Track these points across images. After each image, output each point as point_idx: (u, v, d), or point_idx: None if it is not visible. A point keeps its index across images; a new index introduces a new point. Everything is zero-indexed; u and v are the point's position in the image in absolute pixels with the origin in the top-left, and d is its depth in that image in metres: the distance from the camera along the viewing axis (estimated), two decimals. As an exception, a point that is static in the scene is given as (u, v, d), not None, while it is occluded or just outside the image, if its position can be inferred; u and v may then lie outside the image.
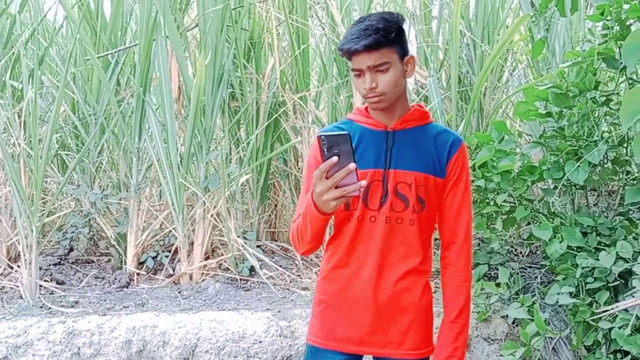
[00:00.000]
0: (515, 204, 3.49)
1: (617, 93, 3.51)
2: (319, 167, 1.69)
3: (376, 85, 1.92)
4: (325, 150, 1.65)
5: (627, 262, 3.07)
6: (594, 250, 3.23)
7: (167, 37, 4.17)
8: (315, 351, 2.10)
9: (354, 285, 2.03)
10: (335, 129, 2.07)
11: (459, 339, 2.06)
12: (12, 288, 3.99)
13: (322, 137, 1.65)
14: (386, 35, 1.89)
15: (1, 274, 4.16)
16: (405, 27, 1.99)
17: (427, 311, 2.09)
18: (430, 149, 2.03)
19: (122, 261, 4.37)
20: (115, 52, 4.55)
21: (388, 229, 2.00)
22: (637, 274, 2.97)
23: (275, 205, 4.96)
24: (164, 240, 4.50)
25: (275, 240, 4.83)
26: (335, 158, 1.64)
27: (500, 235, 3.90)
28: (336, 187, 1.68)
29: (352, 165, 1.63)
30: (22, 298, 3.83)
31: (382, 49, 1.89)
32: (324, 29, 4.90)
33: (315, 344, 2.10)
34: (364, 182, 1.66)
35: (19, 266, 3.99)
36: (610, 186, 4.40)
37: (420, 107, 2.09)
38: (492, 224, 3.63)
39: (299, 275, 4.23)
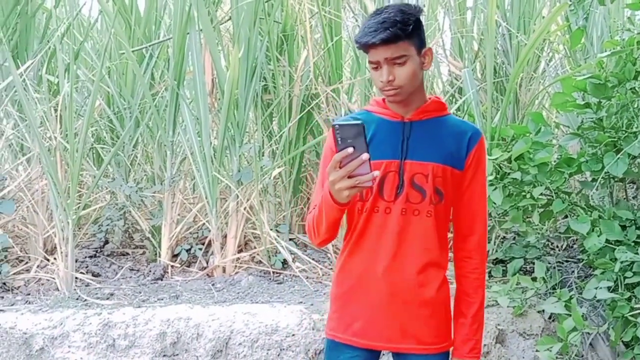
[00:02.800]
0: (553, 196, 3.43)
1: (658, 83, 3.42)
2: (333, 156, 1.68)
3: (394, 78, 1.90)
4: (339, 140, 1.64)
5: (668, 256, 3.00)
6: (633, 244, 3.17)
7: (201, 30, 4.19)
8: (335, 345, 2.08)
9: (369, 277, 2.01)
10: (351, 119, 2.02)
11: (478, 332, 2.08)
12: (48, 280, 4.04)
13: (336, 126, 1.64)
14: (404, 28, 1.87)
15: (38, 266, 4.22)
16: (423, 18, 1.97)
17: (446, 305, 2.08)
18: (448, 140, 2.01)
19: (156, 254, 4.41)
20: (149, 46, 4.58)
21: (404, 221, 1.97)
22: (679, 269, 2.91)
23: (308, 199, 4.94)
24: (197, 233, 4.52)
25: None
26: (350, 149, 1.63)
27: (537, 228, 3.83)
28: (349, 177, 1.66)
29: (365, 156, 1.62)
30: (58, 290, 3.88)
31: (399, 42, 1.87)
32: (356, 21, 4.87)
33: (334, 338, 2.08)
34: (376, 173, 1.65)
35: (55, 258, 4.05)
36: (650, 179, 4.31)
37: (437, 99, 2.07)
38: (528, 217, 3.57)
39: (331, 268, 4.22)
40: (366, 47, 1.90)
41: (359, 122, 1.64)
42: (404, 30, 1.86)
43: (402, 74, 1.90)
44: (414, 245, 1.99)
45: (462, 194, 2.04)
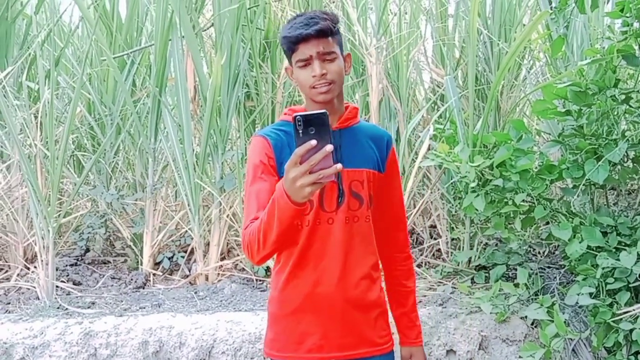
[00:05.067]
0: (534, 203, 3.45)
1: (637, 91, 3.45)
2: (284, 158, 1.66)
3: (326, 72, 1.91)
4: (300, 132, 1.55)
5: (649, 262, 3.03)
6: (614, 250, 3.19)
7: (183, 37, 4.17)
8: None
9: (320, 290, 1.99)
10: (274, 131, 2.03)
11: (418, 319, 2.22)
12: (28, 289, 4.00)
13: (298, 117, 1.55)
14: (333, 25, 1.93)
15: (18, 274, 4.18)
16: (340, 27, 2.02)
17: (385, 303, 2.14)
18: (370, 145, 2.07)
19: (138, 262, 4.38)
20: (131, 53, 4.56)
21: (348, 229, 1.99)
22: (659, 275, 2.93)
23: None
24: (179, 240, 4.49)
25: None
26: (313, 141, 1.53)
27: (519, 235, 3.85)
28: (311, 172, 1.56)
29: (330, 147, 1.53)
30: (38, 299, 3.84)
31: (329, 37, 1.92)
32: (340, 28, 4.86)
33: (283, 359, 2.05)
34: (339, 166, 1.55)
35: (35, 267, 4.00)
36: (630, 185, 4.35)
37: (353, 106, 2.10)
38: (510, 223, 3.59)
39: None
40: (298, 41, 1.91)
41: (322, 111, 1.57)
42: (333, 27, 1.93)
43: (333, 70, 1.93)
44: (359, 251, 2.03)
45: (386, 195, 2.12)
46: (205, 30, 4.77)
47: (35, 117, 4.20)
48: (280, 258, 2.06)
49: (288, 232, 1.79)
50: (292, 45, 1.94)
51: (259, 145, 2.00)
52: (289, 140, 2.00)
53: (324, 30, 1.89)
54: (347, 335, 2.02)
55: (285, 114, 2.11)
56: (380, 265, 2.17)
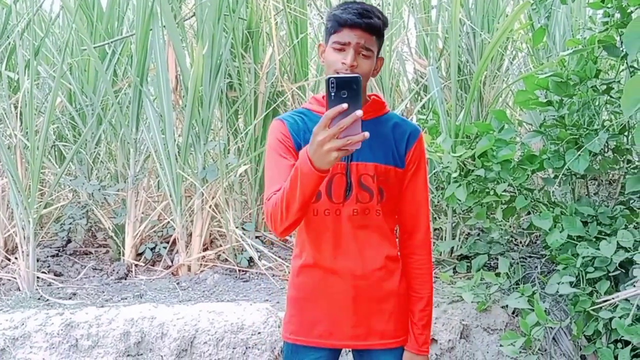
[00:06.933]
0: (515, 193, 3.47)
1: (618, 81, 3.49)
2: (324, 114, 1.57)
3: (356, 65, 1.89)
4: (332, 95, 1.54)
5: (628, 251, 3.06)
6: (594, 239, 3.22)
7: (164, 26, 4.14)
8: (296, 349, 2.08)
9: (332, 279, 2.00)
10: (292, 115, 2.05)
11: (427, 328, 2.10)
12: (9, 280, 3.97)
13: (332, 79, 1.54)
14: (383, 26, 1.93)
15: (-2, 265, 4.15)
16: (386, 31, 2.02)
17: (405, 298, 2.09)
18: (389, 139, 2.03)
19: (120, 252, 4.35)
20: (112, 42, 4.51)
21: (357, 221, 1.98)
22: (638, 263, 2.96)
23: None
24: (162, 231, 4.47)
25: (274, 231, 4.80)
26: (345, 105, 1.51)
27: (500, 224, 3.88)
28: (338, 138, 1.54)
29: (360, 112, 1.52)
30: (19, 290, 3.81)
31: (374, 36, 1.91)
32: (322, 18, 4.86)
33: (295, 342, 2.08)
34: (367, 134, 1.54)
35: (16, 258, 3.97)
36: (610, 175, 4.39)
37: (377, 98, 2.07)
38: (492, 213, 3.61)
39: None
40: (344, 24, 1.89)
41: (356, 74, 1.57)
42: (382, 28, 1.93)
43: (363, 65, 1.91)
44: (373, 243, 2.01)
45: (405, 192, 2.06)
46: (186, 19, 4.74)
47: (15, 107, 4.16)
48: (297, 244, 2.08)
49: (310, 201, 1.76)
50: (337, 25, 1.91)
51: (275, 127, 2.02)
52: (306, 125, 2.00)
53: (373, 27, 1.89)
54: (357, 325, 2.02)
55: (309, 102, 2.12)
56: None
